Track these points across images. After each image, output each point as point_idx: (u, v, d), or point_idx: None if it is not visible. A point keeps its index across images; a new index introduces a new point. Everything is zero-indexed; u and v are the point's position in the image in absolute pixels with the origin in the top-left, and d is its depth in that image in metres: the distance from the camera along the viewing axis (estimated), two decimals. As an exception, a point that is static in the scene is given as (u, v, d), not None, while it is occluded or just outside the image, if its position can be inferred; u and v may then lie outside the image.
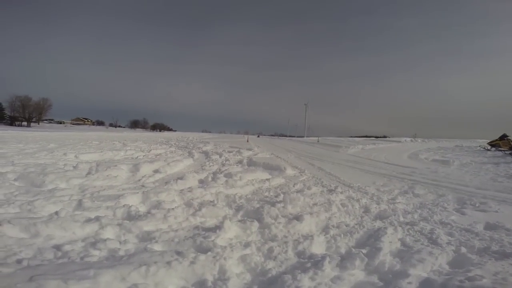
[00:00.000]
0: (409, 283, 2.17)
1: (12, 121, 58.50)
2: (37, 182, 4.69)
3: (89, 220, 3.09)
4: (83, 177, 5.31)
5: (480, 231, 3.48)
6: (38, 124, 66.28)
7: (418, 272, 2.34)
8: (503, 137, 16.35)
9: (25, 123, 60.18)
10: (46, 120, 75.74)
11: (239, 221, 3.47)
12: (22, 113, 60.14)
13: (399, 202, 4.87)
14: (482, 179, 7.61)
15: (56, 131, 37.17)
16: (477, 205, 4.79)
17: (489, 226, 3.70)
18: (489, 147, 16.72)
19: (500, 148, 15.58)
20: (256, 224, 3.36)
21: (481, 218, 4.08)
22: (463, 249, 2.83)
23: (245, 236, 3.10)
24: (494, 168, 9.78)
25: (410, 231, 3.39)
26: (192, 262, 2.19)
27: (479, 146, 18.28)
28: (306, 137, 57.00)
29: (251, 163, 9.01)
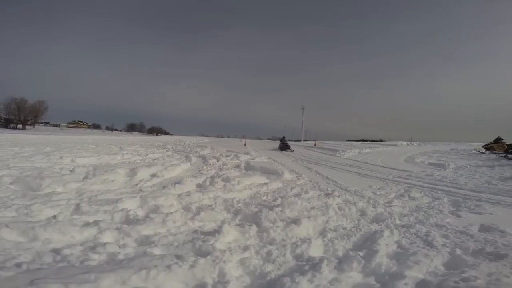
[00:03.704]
0: (406, 284, 2.20)
1: (7, 124, 57.95)
2: (33, 186, 4.67)
3: (87, 224, 3.09)
4: (80, 181, 5.30)
5: (475, 233, 3.53)
6: (34, 127, 65.67)
7: (414, 273, 2.38)
8: (498, 140, 16.52)
9: (20, 125, 59.64)
10: (41, 123, 75.11)
11: (238, 225, 3.49)
12: (18, 116, 59.60)
13: (395, 205, 4.92)
14: (477, 182, 7.70)
15: (52, 134, 36.91)
16: (472, 207, 4.86)
17: (483, 228, 3.76)
18: (483, 150, 16.87)
19: (494, 151, 15.74)
20: (254, 228, 3.38)
21: (476, 220, 4.14)
22: (458, 251, 2.87)
23: (244, 240, 3.13)
24: (488, 171, 9.89)
25: (406, 234, 3.44)
26: (192, 266, 2.21)
27: (474, 149, 18.43)
28: (303, 141, 57.05)
29: (249, 168, 9.04)
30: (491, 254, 2.80)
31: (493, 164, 11.47)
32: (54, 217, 3.23)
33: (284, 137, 25.28)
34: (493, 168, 10.53)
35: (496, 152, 15.54)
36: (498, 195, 6.03)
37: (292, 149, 20.65)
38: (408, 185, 7.05)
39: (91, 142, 18.48)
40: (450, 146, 25.29)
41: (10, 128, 55.78)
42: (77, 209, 3.65)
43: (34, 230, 2.73)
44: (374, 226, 3.75)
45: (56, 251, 2.45)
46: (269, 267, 2.47)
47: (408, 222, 3.96)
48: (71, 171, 6.14)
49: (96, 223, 3.12)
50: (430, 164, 12.47)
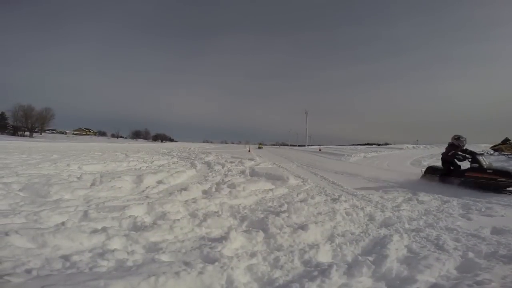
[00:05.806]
0: (418, 289, 2.16)
1: (14, 131, 58.76)
2: (42, 193, 4.73)
3: (95, 231, 3.10)
4: (88, 188, 5.34)
5: (487, 235, 3.46)
6: (41, 134, 66.45)
7: (426, 277, 2.33)
8: (506, 141, 16.28)
9: (27, 133, 60.37)
10: (48, 130, 76.02)
11: (244, 231, 3.47)
12: (25, 123, 60.37)
13: (403, 209, 4.85)
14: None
15: (59, 141, 37.39)
16: (482, 210, 4.78)
17: (495, 231, 3.68)
18: (492, 152, 16.64)
19: (503, 152, 15.50)
20: (261, 234, 3.36)
21: (487, 222, 4.07)
22: (471, 254, 2.81)
23: (251, 246, 3.10)
24: (497, 173, 9.72)
25: (416, 238, 3.38)
26: (200, 273, 2.20)
27: (482, 151, 18.21)
28: (308, 145, 56.84)
29: (254, 173, 9.02)
30: (504, 257, 2.73)
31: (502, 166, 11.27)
32: (63, 223, 3.26)
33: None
34: (502, 170, 10.35)
35: (505, 153, 15.30)
36: (508, 197, 5.92)
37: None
38: (416, 189, 6.96)
39: (97, 149, 18.69)
40: (457, 149, 25.00)
41: (18, 135, 56.53)
42: (85, 215, 3.67)
43: (43, 236, 2.75)
44: (383, 231, 3.70)
45: (65, 258, 2.46)
46: (277, 273, 2.44)
47: (418, 226, 3.90)
48: (78, 178, 6.20)
49: (104, 229, 3.13)
50: (437, 167, 12.30)
